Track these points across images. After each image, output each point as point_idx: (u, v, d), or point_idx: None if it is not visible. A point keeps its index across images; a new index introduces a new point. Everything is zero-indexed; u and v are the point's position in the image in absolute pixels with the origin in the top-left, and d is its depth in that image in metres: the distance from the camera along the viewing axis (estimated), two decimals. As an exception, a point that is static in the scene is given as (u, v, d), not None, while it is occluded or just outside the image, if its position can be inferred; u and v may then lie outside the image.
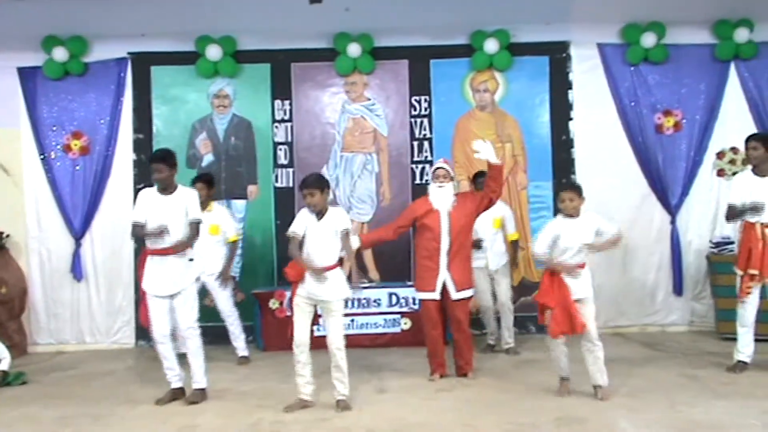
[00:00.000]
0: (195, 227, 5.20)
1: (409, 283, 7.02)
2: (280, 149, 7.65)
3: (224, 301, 6.55)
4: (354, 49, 7.42)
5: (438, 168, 5.88)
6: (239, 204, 7.63)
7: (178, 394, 5.23)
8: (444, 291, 5.65)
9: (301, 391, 4.96)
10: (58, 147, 7.53)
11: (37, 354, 7.32)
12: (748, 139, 5.64)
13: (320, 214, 4.94)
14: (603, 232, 4.98)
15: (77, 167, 7.52)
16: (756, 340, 5.61)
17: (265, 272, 7.59)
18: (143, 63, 7.57)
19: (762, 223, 5.47)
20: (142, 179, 7.50)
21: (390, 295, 7.05)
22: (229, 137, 7.67)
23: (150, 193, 5.20)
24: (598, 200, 7.40)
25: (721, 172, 7.52)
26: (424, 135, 7.64)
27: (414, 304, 6.96)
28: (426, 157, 7.61)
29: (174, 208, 5.11)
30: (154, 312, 5.16)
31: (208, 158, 7.65)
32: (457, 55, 7.59)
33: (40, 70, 7.45)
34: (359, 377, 5.74)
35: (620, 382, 5.40)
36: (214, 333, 7.30)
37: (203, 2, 7.34)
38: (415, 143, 7.65)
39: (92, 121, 7.55)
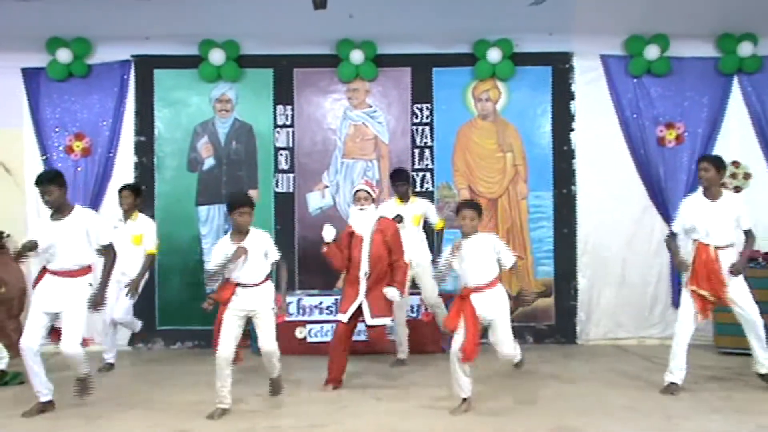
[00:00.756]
0: (109, 251, 5.19)
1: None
2: (281, 154, 7.66)
3: (122, 310, 6.49)
4: (357, 56, 7.44)
5: (359, 190, 5.78)
6: (239, 208, 7.62)
7: (47, 407, 5.09)
8: (359, 314, 5.66)
9: (223, 401, 5.00)
10: (60, 148, 7.54)
11: (34, 354, 7.29)
12: (699, 160, 5.61)
13: (245, 235, 5.03)
14: (500, 252, 4.96)
15: (79, 169, 7.52)
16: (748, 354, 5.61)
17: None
18: (146, 66, 7.59)
19: (716, 246, 5.43)
20: (143, 182, 7.52)
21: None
22: (231, 141, 7.68)
23: (43, 221, 5.17)
24: (598, 211, 7.47)
25: (722, 186, 7.48)
26: (425, 143, 7.65)
27: (412, 312, 6.94)
28: (427, 165, 7.61)
29: (67, 231, 5.03)
30: (32, 323, 5.05)
31: (209, 162, 7.66)
32: (459, 64, 7.60)
33: (43, 71, 7.47)
34: (354, 384, 5.74)
35: (617, 393, 5.40)
36: (208, 337, 7.31)
37: (207, 6, 7.35)
38: (416, 151, 7.65)
39: (94, 122, 7.56)
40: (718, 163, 5.50)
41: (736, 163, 7.44)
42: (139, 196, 6.70)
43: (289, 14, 7.17)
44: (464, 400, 4.96)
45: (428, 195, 7.45)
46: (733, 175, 7.46)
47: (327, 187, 7.65)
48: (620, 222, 7.48)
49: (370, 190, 5.79)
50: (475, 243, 4.95)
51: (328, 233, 5.66)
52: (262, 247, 5.08)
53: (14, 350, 6.84)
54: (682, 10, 7.30)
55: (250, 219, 5.03)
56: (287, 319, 6.99)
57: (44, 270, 5.16)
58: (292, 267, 7.40)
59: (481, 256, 4.92)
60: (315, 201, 7.64)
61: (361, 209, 5.71)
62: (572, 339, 7.53)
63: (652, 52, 7.39)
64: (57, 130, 7.55)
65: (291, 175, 7.64)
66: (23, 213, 7.51)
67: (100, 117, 7.56)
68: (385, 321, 5.72)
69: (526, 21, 7.36)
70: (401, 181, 6.56)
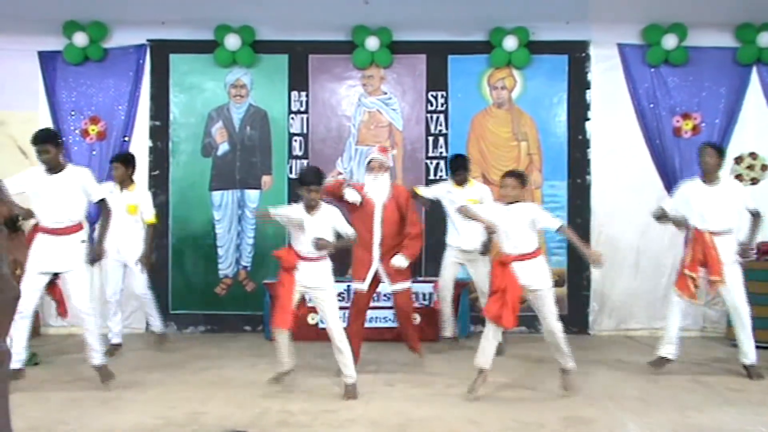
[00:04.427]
0: (104, 205, 5.28)
1: (420, 279, 7.01)
2: (296, 140, 7.66)
3: (140, 284, 6.51)
4: (372, 43, 7.41)
5: (373, 159, 5.76)
6: (253, 194, 7.65)
7: (19, 375, 5.12)
8: (376, 282, 5.72)
9: (283, 362, 5.17)
10: (76, 131, 7.58)
11: (49, 336, 7.38)
12: (701, 147, 5.75)
13: (314, 209, 5.04)
14: (541, 221, 4.95)
15: (93, 152, 7.56)
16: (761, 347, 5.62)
17: (275, 263, 7.40)
18: (162, 50, 7.60)
19: (711, 232, 5.51)
20: (158, 166, 7.58)
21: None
22: (245, 127, 7.69)
23: (36, 172, 5.19)
24: (613, 202, 7.43)
25: (738, 178, 7.44)
26: (440, 131, 7.62)
27: (424, 299, 6.95)
28: (441, 152, 7.59)
29: (62, 185, 5.11)
30: (28, 286, 5.04)
31: (223, 147, 7.67)
32: (475, 52, 7.56)
33: (60, 55, 7.50)
34: (367, 370, 5.76)
35: (630, 385, 5.39)
36: (221, 321, 7.39)
37: (223, -9, 7.36)
38: (431, 138, 7.63)
39: (110, 106, 7.59)
40: (719, 150, 5.67)
41: (753, 155, 7.39)
42: (129, 167, 6.49)
43: (304, 0, 7.16)
44: (481, 371, 4.98)
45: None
46: (750, 167, 7.40)
47: (341, 173, 7.59)
48: (635, 212, 7.43)
49: (384, 159, 5.77)
50: (514, 211, 4.95)
51: (354, 196, 5.68)
52: (330, 223, 5.07)
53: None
54: (701, -1, 7.24)
55: (318, 196, 5.03)
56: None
57: (35, 229, 5.21)
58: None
59: (519, 225, 4.92)
60: (328, 187, 7.64)
61: (375, 179, 5.70)
62: (584, 329, 7.52)
63: (669, 41, 7.33)
64: (72, 113, 7.58)
65: (305, 161, 7.64)
66: (39, 196, 7.56)
67: (116, 101, 7.59)
68: (407, 284, 5.78)
69: (542, 9, 7.32)
70: (459, 171, 6.43)
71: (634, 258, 7.49)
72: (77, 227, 5.25)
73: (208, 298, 7.52)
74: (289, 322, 5.03)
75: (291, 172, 7.63)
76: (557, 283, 7.45)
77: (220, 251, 7.62)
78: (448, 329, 6.59)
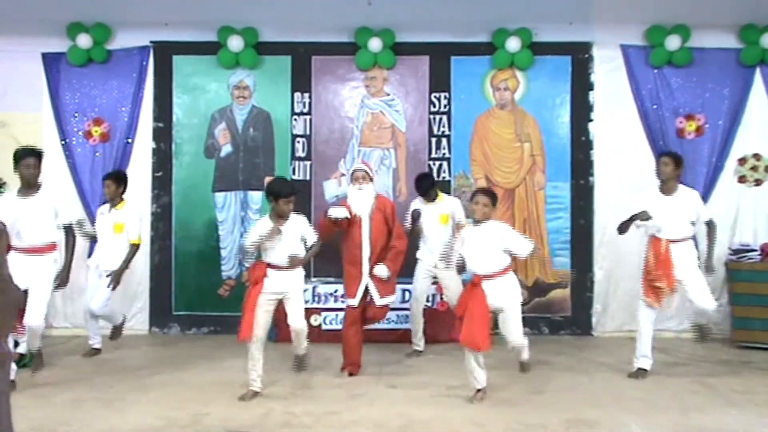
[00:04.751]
0: (69, 231, 5.36)
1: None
2: (298, 142, 7.67)
3: (100, 300, 6.27)
4: (375, 44, 7.41)
5: (356, 170, 5.81)
6: (256, 195, 7.65)
7: None
8: (366, 294, 5.69)
9: (253, 384, 5.09)
10: (79, 133, 7.59)
11: (53, 337, 7.37)
12: (661, 155, 5.89)
13: (285, 219, 5.11)
14: (509, 241, 4.95)
15: (97, 154, 7.57)
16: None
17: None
18: (165, 52, 7.61)
19: (668, 239, 5.62)
20: (161, 167, 7.59)
21: (403, 291, 7.02)
22: (248, 128, 7.70)
23: (8, 199, 5.28)
24: (616, 203, 7.40)
25: (742, 179, 7.43)
26: (443, 132, 7.62)
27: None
28: (444, 154, 7.58)
29: (35, 208, 5.19)
30: None
31: (226, 149, 7.68)
32: (478, 53, 7.55)
33: (63, 56, 7.51)
34: (369, 372, 5.76)
35: (633, 386, 5.39)
36: (224, 322, 7.38)
37: (226, -7, 7.37)
38: (434, 140, 7.62)
39: (113, 108, 7.60)
40: (677, 159, 5.72)
41: (757, 156, 7.37)
42: (121, 184, 6.48)
43: (307, 1, 7.17)
44: (478, 390, 4.97)
45: (445, 184, 7.44)
46: (754, 168, 7.38)
47: (344, 175, 7.64)
48: (638, 214, 7.42)
49: (367, 170, 5.84)
50: (483, 231, 4.95)
51: (340, 212, 5.65)
52: (299, 231, 5.16)
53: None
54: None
55: (292, 207, 5.13)
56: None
57: (9, 248, 5.24)
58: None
59: (488, 245, 4.92)
60: (331, 189, 7.65)
61: (360, 189, 5.72)
62: (588, 331, 7.50)
63: (673, 42, 7.31)
64: (76, 115, 7.59)
65: (308, 163, 7.65)
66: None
67: (119, 102, 7.60)
68: (393, 299, 5.83)
69: (545, 10, 7.31)
70: (423, 190, 6.40)
71: (637, 260, 7.36)
72: (50, 247, 5.34)
73: (211, 299, 7.52)
74: (250, 333, 5.01)
75: (294, 174, 7.63)
76: (561, 285, 7.49)
77: (223, 252, 7.62)
78: (420, 343, 6.53)
